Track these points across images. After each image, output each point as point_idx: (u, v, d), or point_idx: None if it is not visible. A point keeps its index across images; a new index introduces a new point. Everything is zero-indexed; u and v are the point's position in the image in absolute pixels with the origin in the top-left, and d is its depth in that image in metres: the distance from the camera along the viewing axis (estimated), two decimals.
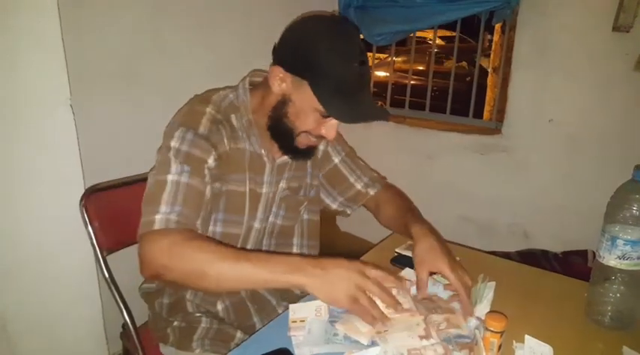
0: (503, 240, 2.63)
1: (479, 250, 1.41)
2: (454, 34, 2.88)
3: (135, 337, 1.19)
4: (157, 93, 1.85)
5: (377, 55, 3.40)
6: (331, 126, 1.07)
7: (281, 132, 1.10)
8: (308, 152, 1.15)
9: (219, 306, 1.18)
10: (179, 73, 1.95)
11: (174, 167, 1.01)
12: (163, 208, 0.97)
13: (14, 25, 1.19)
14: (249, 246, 1.19)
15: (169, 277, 0.94)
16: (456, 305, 1.00)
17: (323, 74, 0.99)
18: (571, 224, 2.35)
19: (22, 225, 1.29)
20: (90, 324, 1.47)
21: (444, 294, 1.05)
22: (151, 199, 0.99)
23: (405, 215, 1.25)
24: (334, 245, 1.40)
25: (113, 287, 1.22)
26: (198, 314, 1.18)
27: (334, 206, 1.39)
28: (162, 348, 1.22)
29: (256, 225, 1.19)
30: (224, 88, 1.18)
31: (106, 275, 1.21)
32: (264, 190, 1.18)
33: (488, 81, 2.83)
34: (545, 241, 2.48)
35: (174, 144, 1.04)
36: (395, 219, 1.30)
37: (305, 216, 1.30)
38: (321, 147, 1.32)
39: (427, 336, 0.87)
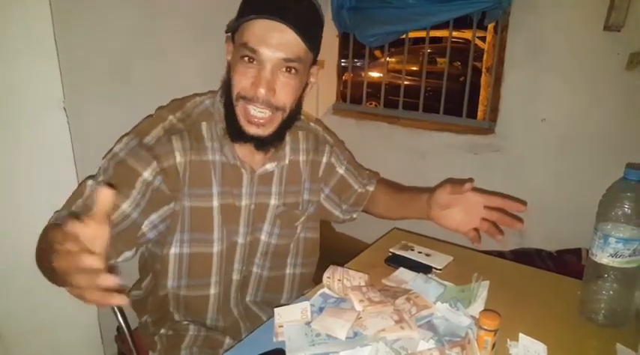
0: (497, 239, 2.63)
1: (473, 249, 1.41)
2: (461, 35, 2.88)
3: (129, 339, 1.19)
4: (149, 94, 1.83)
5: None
6: (256, 77, 0.98)
7: (227, 107, 1.03)
8: (256, 138, 1.03)
9: (208, 316, 1.15)
10: (172, 74, 1.95)
11: (101, 177, 1.00)
12: (65, 208, 0.98)
13: (7, 30, 1.19)
14: (236, 265, 1.14)
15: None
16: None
17: (237, 15, 1.01)
18: (565, 223, 2.36)
19: (17, 228, 1.28)
20: (86, 328, 1.47)
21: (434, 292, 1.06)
22: (69, 198, 1.00)
23: (405, 190, 1.29)
24: (329, 246, 1.39)
25: None
26: (185, 323, 1.15)
27: (341, 216, 1.35)
28: None
29: (240, 240, 1.13)
30: (207, 93, 1.14)
31: None
32: (243, 203, 1.11)
33: (481, 81, 2.85)
34: (540, 240, 2.49)
35: (116, 148, 1.02)
36: (396, 200, 1.31)
37: (302, 235, 1.24)
38: (324, 159, 1.26)
39: (401, 320, 0.90)
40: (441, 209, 1.17)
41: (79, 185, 1.02)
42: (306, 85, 1.09)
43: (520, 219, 1.03)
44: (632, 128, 2.15)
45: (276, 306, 0.94)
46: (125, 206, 0.97)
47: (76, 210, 0.97)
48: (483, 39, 3.20)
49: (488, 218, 1.13)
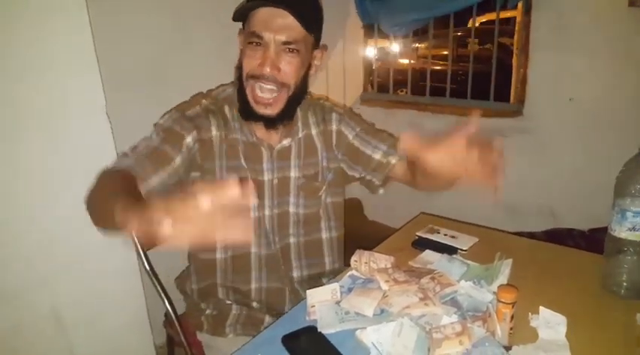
0: (531, 221, 2.64)
1: (501, 230, 1.45)
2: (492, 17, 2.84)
3: (176, 322, 1.28)
4: (185, 93, 1.93)
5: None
6: (262, 57, 1.09)
7: (240, 89, 1.16)
8: (266, 117, 1.14)
9: (253, 286, 1.25)
10: (205, 73, 2.02)
11: (152, 135, 1.14)
12: (122, 155, 1.12)
13: (50, 41, 1.28)
14: (270, 237, 1.24)
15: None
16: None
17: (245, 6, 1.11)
18: (597, 201, 2.32)
19: (70, 226, 1.39)
20: (135, 315, 1.58)
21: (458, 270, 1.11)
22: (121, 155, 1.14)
23: None
24: (362, 233, 1.45)
25: (154, 279, 1.31)
26: (228, 302, 1.26)
27: (359, 177, 1.35)
28: (199, 335, 1.30)
29: (267, 212, 1.23)
30: (231, 83, 1.25)
31: (147, 268, 1.30)
32: (265, 178, 1.22)
33: (513, 61, 2.82)
34: (573, 220, 2.48)
35: (160, 121, 1.17)
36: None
37: (328, 200, 1.32)
38: (334, 126, 1.31)
39: (425, 298, 0.95)
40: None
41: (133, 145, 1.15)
42: (310, 66, 1.20)
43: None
44: None
45: (316, 285, 1.03)
46: (175, 163, 1.11)
47: (152, 168, 1.08)
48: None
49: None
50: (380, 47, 3.37)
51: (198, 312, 1.28)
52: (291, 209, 1.26)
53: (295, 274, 1.29)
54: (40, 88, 1.28)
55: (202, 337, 1.29)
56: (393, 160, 1.28)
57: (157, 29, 1.91)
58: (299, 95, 1.19)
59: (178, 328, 1.27)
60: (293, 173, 1.25)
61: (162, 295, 1.31)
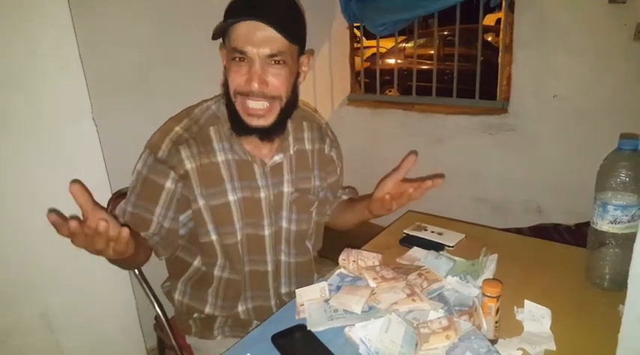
0: (517, 217, 2.67)
1: (488, 227, 1.46)
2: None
3: (166, 325, 1.29)
4: (170, 102, 1.92)
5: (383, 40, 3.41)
6: (248, 73, 1.06)
7: (229, 106, 1.13)
8: (260, 129, 1.12)
9: (240, 309, 1.24)
10: (190, 81, 2.04)
11: (132, 197, 1.13)
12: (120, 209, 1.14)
13: (33, 46, 1.28)
14: (268, 256, 1.23)
15: None
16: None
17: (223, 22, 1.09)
18: (582, 196, 2.35)
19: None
20: (125, 318, 1.57)
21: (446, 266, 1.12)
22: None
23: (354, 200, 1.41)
24: (351, 232, 1.46)
25: (144, 283, 1.32)
26: (215, 313, 1.25)
27: (328, 212, 1.42)
28: (187, 339, 1.30)
29: (266, 232, 1.21)
30: (214, 98, 1.22)
31: (136, 272, 1.31)
32: (262, 195, 1.19)
33: (499, 60, 2.84)
34: (559, 215, 2.51)
35: (138, 166, 1.14)
36: (345, 206, 1.41)
37: (316, 219, 1.32)
38: (326, 149, 1.33)
39: (413, 294, 0.96)
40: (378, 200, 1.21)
41: (123, 203, 1.16)
42: (298, 73, 1.18)
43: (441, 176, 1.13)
44: None
45: None
46: (156, 219, 1.12)
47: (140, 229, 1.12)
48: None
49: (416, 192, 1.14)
50: (366, 47, 3.39)
51: (186, 316, 1.28)
52: (284, 224, 1.25)
53: (284, 291, 1.30)
54: (24, 93, 1.28)
55: (191, 340, 1.29)
56: (344, 196, 1.43)
57: (142, 37, 1.91)
58: (291, 105, 1.16)
59: (169, 331, 1.27)
60: (286, 188, 1.23)
61: (152, 299, 1.32)
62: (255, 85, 1.06)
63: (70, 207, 1.36)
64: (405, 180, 1.16)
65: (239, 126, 1.12)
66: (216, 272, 1.21)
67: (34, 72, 1.29)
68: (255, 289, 1.25)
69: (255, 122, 1.10)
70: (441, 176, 1.12)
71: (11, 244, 1.30)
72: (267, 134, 1.14)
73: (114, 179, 1.49)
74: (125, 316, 1.58)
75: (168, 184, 1.11)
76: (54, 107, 1.34)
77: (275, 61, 1.06)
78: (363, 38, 3.41)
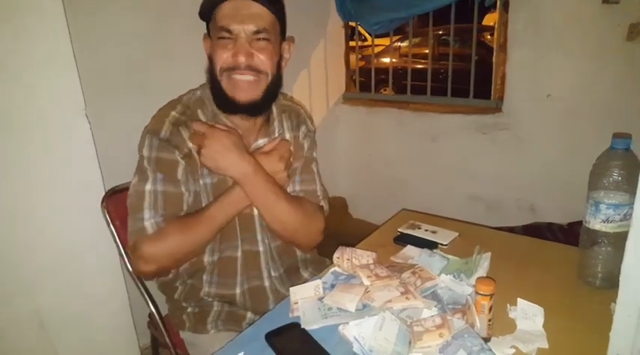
0: (511, 216, 2.68)
1: (479, 225, 1.47)
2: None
3: (160, 323, 1.28)
4: (164, 98, 1.92)
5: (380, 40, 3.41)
6: (234, 48, 1.10)
7: (214, 87, 1.15)
8: (247, 104, 1.14)
9: (238, 290, 1.25)
10: (184, 78, 2.01)
11: (150, 176, 1.11)
12: (148, 215, 1.09)
13: (26, 42, 1.27)
14: (258, 236, 1.24)
15: (174, 267, 1.16)
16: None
17: (206, 10, 1.13)
18: (576, 195, 2.37)
19: (50, 228, 1.38)
20: (118, 316, 1.57)
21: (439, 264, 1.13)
22: (136, 208, 1.10)
23: None
24: (346, 231, 1.46)
25: (137, 280, 1.31)
26: (210, 299, 1.25)
27: None
28: (181, 334, 1.29)
29: (255, 211, 1.22)
30: (199, 86, 1.25)
31: (130, 269, 1.31)
32: None
33: (493, 59, 2.85)
34: (552, 214, 2.52)
35: (145, 152, 1.13)
36: None
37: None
38: (301, 138, 1.31)
39: (406, 292, 0.96)
40: None
41: (137, 192, 1.12)
42: (281, 58, 1.20)
43: None
44: (636, 98, 2.17)
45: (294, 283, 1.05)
46: (185, 192, 1.13)
47: (178, 211, 1.13)
48: None
49: None
50: (361, 46, 3.39)
51: (180, 311, 1.28)
52: None
53: (274, 274, 1.30)
54: (15, 89, 1.27)
55: (184, 335, 1.29)
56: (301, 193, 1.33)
57: (135, 32, 1.90)
58: (276, 85, 1.19)
59: (162, 329, 1.27)
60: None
61: (146, 296, 1.31)
62: (242, 58, 1.09)
63: (61, 204, 1.36)
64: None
65: (226, 103, 1.15)
66: (207, 257, 1.22)
67: (26, 68, 1.28)
68: (251, 269, 1.25)
69: (242, 95, 1.13)
70: None
71: (3, 241, 1.29)
72: (254, 109, 1.16)
73: (107, 176, 1.49)
74: (118, 314, 1.58)
75: (179, 159, 1.13)
76: (46, 103, 1.33)
77: (260, 37, 1.10)
78: (369, 36, 3.39)
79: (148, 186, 1.10)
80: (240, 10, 1.08)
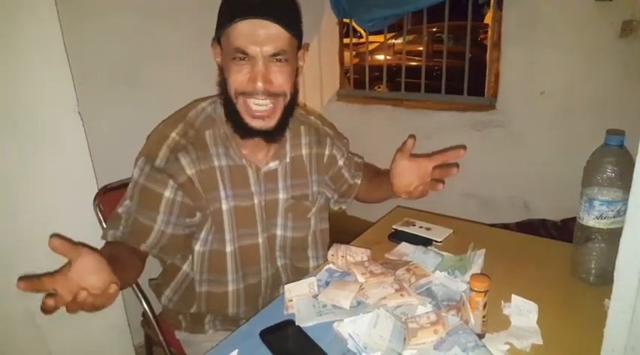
0: (505, 213, 2.69)
1: (473, 222, 1.47)
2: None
3: (154, 322, 1.28)
4: (156, 95, 1.93)
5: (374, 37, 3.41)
6: (251, 72, 1.03)
7: (228, 107, 1.08)
8: (264, 131, 1.09)
9: (230, 310, 1.21)
10: (177, 75, 2.03)
11: (129, 200, 1.10)
12: (113, 228, 1.08)
13: (18, 39, 1.26)
14: (262, 264, 1.20)
15: None
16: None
17: (219, 20, 1.06)
18: (569, 192, 2.38)
19: (44, 227, 1.37)
20: (113, 315, 1.56)
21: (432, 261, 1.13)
22: (112, 218, 1.10)
23: (380, 172, 1.39)
24: (342, 228, 1.46)
25: None
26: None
27: (333, 207, 1.40)
28: (177, 334, 1.28)
29: (259, 240, 1.18)
30: (207, 98, 1.18)
31: None
32: (255, 201, 1.16)
33: (487, 57, 2.86)
34: (546, 211, 2.53)
35: (135, 175, 1.10)
36: (373, 184, 1.38)
37: (317, 227, 1.28)
38: (327, 151, 1.30)
39: (401, 289, 0.96)
40: (397, 179, 1.20)
41: (119, 207, 1.11)
42: (297, 69, 1.14)
43: (456, 165, 1.20)
44: (630, 94, 2.18)
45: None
46: (157, 226, 1.08)
47: (137, 241, 1.09)
48: None
49: (435, 177, 1.19)
50: (356, 43, 3.39)
51: (175, 312, 1.26)
52: (279, 232, 1.21)
53: (276, 295, 1.27)
54: (7, 86, 1.26)
55: (181, 335, 1.28)
56: (358, 181, 1.39)
57: (128, 30, 1.89)
58: (293, 102, 1.13)
59: (156, 328, 1.26)
60: (281, 195, 1.20)
61: (140, 295, 1.31)
62: (260, 84, 1.02)
63: (54, 201, 1.35)
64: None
65: (241, 128, 1.09)
66: (200, 287, 1.19)
67: (17, 64, 1.27)
68: (247, 301, 1.22)
69: (259, 124, 1.07)
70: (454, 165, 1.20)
71: None
72: (270, 136, 1.11)
73: (100, 174, 1.48)
74: (112, 312, 1.56)
75: (167, 193, 1.07)
76: (38, 100, 1.32)
77: (278, 59, 1.03)
78: (364, 32, 3.38)
79: (125, 207, 1.10)
80: (258, 30, 0.99)
